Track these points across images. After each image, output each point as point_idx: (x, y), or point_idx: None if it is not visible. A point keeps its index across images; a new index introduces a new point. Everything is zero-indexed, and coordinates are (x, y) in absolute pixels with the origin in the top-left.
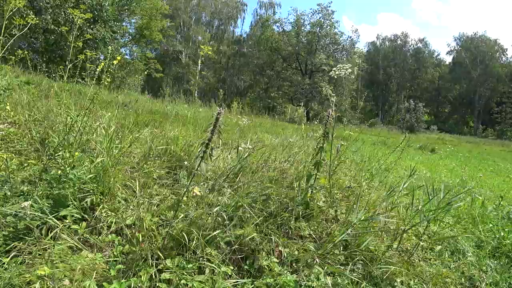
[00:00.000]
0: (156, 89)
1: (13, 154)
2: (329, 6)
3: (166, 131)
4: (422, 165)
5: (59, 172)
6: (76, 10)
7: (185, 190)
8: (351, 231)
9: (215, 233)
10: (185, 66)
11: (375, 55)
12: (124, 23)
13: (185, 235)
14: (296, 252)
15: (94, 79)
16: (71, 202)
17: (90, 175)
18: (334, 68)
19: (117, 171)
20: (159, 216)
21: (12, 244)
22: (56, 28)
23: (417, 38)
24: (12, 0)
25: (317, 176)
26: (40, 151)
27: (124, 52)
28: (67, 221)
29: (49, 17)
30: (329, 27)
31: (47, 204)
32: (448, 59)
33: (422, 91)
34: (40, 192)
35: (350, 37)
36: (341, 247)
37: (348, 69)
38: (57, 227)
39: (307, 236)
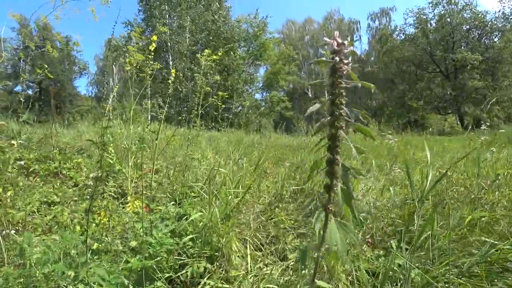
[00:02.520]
0: (289, 125)
1: (148, 201)
2: None
3: (300, 164)
4: None
5: (138, 235)
6: (217, 76)
7: None
8: None
9: None
10: (313, 99)
11: None
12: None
13: None
14: None
15: (228, 124)
16: (159, 275)
17: (189, 237)
18: None
19: (232, 225)
20: None
21: None
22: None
23: None
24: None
25: None
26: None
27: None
28: None
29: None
30: (461, 12)
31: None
32: None
33: None
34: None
35: (500, 11)
36: None
37: None
38: None
39: None
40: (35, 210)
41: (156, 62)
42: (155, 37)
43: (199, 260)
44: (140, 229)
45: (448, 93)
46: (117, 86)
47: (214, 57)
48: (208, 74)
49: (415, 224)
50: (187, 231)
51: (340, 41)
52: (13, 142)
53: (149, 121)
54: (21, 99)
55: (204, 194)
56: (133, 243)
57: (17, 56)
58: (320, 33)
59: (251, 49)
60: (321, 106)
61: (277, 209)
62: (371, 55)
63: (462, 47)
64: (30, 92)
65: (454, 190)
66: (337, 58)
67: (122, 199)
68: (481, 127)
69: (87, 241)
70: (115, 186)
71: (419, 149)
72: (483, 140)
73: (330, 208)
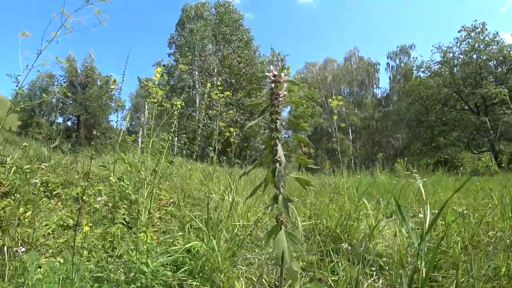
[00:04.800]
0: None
1: (159, 233)
2: (475, 22)
3: (314, 201)
4: None
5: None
6: (231, 112)
7: None
8: None
9: None
10: (337, 139)
11: None
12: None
13: None
14: None
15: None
16: None
17: (184, 268)
18: None
19: (235, 262)
20: None
21: None
22: (224, 128)
23: None
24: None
25: None
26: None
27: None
28: None
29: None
30: (487, 47)
31: None
32: None
33: None
34: None
35: None
36: None
37: None
38: None
39: None
40: (50, 232)
41: (178, 99)
42: (159, 69)
43: None
44: (134, 256)
45: (480, 130)
46: (147, 121)
47: (226, 93)
48: (226, 114)
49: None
50: (186, 263)
51: (276, 73)
52: (43, 165)
53: (173, 156)
54: (58, 128)
55: (203, 226)
56: (132, 274)
57: (63, 92)
58: (341, 73)
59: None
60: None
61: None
62: (395, 93)
63: (491, 83)
64: (69, 123)
65: (489, 234)
66: (274, 86)
67: (135, 228)
68: None
69: (90, 268)
70: (127, 214)
71: (449, 190)
72: None
73: (280, 219)
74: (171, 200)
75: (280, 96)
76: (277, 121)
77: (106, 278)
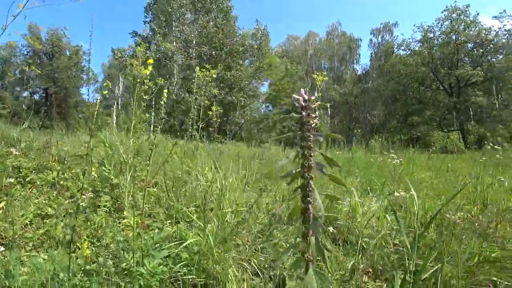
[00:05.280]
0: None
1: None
2: (455, 3)
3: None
4: None
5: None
6: (215, 90)
7: None
8: None
9: None
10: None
11: None
12: (260, 88)
13: None
14: None
15: (231, 137)
16: None
17: (182, 263)
18: None
19: (228, 249)
20: None
21: None
22: (205, 103)
23: None
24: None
25: None
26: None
27: (260, 112)
28: None
29: (199, 96)
30: (466, 28)
31: None
32: None
33: None
34: None
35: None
36: None
37: None
38: None
39: None
40: (28, 223)
41: (160, 78)
42: (151, 60)
43: None
44: (131, 259)
45: (450, 110)
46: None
47: (213, 71)
48: (206, 88)
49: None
50: (181, 257)
51: (306, 97)
52: (11, 149)
53: (152, 132)
54: (24, 106)
55: (197, 219)
56: (124, 265)
57: (27, 62)
58: (322, 47)
59: (254, 63)
60: (292, 158)
61: (275, 230)
62: (374, 70)
63: (467, 64)
64: (36, 97)
65: (461, 218)
66: (305, 113)
67: (118, 213)
68: (485, 146)
69: (78, 262)
70: (110, 200)
71: (423, 169)
72: (483, 161)
73: (309, 257)
74: (153, 181)
75: (312, 124)
76: (310, 158)
77: (95, 270)
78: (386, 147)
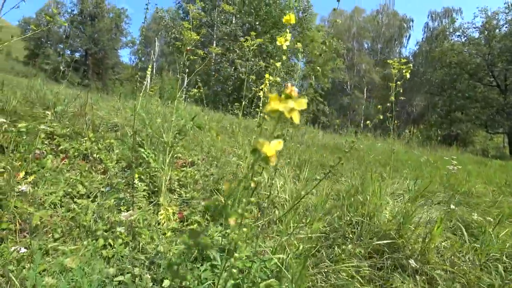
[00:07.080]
0: (320, 120)
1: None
2: None
3: (347, 179)
4: None
5: None
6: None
7: None
8: None
9: None
10: (351, 95)
11: None
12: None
13: None
14: None
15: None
16: None
17: None
18: None
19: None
20: None
21: None
22: (242, 75)
23: None
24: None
25: None
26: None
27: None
28: None
29: (239, 68)
30: None
31: None
32: None
33: None
34: None
35: None
36: None
37: None
38: None
39: None
40: (58, 202)
41: (198, 36)
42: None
43: None
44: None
45: (501, 110)
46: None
47: (259, 40)
48: (250, 59)
49: None
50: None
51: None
52: (47, 112)
53: (185, 101)
54: (63, 64)
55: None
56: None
57: (69, 21)
58: (367, 25)
59: (295, 37)
60: None
61: (336, 247)
62: (422, 56)
63: None
64: (77, 55)
65: None
66: None
67: (154, 197)
68: None
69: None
70: (146, 183)
71: (479, 177)
72: None
73: None
74: (189, 160)
75: None
76: None
77: (129, 281)
78: (428, 143)
